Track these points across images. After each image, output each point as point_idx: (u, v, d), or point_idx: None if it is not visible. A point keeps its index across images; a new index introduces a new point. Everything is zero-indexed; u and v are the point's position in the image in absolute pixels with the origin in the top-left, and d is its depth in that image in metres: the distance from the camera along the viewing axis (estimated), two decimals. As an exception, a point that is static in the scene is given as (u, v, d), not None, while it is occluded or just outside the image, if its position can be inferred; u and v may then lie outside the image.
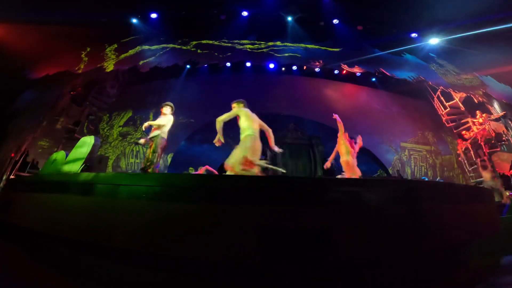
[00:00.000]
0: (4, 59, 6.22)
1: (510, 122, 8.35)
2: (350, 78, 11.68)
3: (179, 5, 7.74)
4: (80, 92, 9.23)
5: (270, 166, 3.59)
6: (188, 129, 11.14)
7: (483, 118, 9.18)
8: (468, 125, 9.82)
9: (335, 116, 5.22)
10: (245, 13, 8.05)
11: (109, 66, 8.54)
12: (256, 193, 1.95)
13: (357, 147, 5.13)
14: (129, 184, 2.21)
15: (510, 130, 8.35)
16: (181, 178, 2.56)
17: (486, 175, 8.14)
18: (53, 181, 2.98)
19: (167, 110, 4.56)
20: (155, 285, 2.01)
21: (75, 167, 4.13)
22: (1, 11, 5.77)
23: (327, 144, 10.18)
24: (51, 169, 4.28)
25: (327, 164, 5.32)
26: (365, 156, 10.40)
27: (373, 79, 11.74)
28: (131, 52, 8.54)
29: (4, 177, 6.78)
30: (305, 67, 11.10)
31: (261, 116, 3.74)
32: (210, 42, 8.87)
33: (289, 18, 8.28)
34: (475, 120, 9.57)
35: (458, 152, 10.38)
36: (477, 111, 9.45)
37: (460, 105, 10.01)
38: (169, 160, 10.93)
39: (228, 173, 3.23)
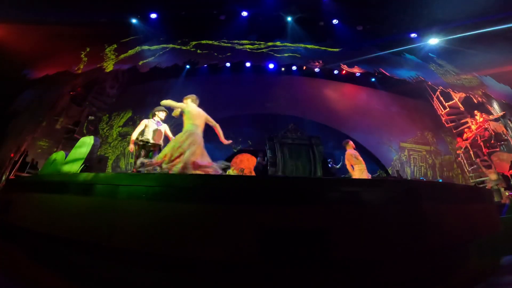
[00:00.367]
0: (4, 59, 6.20)
1: (509, 122, 8.35)
2: (350, 78, 11.67)
3: (179, 5, 7.72)
4: (79, 92, 9.22)
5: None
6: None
7: (483, 118, 9.19)
8: (467, 125, 9.83)
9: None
10: (244, 13, 8.04)
11: (109, 66, 8.54)
12: (256, 193, 1.95)
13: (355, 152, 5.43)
14: (129, 184, 2.21)
15: (510, 130, 8.35)
16: (181, 178, 2.56)
17: (492, 175, 8.11)
18: (53, 181, 2.97)
19: (162, 114, 4.76)
20: (155, 285, 2.01)
21: (75, 167, 4.14)
22: (1, 11, 5.76)
23: (327, 144, 10.18)
24: (50, 169, 4.29)
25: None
26: (364, 156, 10.39)
27: (373, 79, 11.73)
28: (130, 52, 8.53)
29: (4, 177, 6.77)
30: (305, 67, 11.09)
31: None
32: (210, 42, 8.86)
33: (289, 18, 8.26)
34: (473, 120, 9.58)
35: (458, 152, 10.38)
36: (475, 111, 9.46)
37: (460, 105, 10.02)
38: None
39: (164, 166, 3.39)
